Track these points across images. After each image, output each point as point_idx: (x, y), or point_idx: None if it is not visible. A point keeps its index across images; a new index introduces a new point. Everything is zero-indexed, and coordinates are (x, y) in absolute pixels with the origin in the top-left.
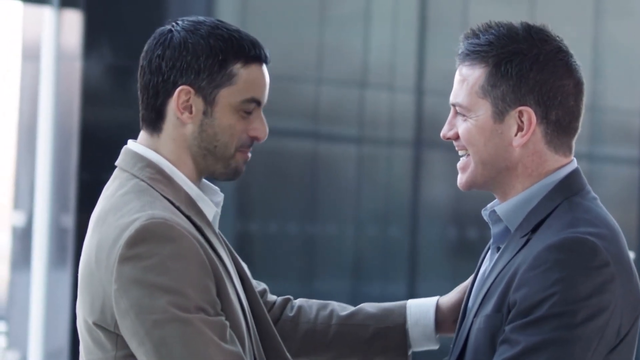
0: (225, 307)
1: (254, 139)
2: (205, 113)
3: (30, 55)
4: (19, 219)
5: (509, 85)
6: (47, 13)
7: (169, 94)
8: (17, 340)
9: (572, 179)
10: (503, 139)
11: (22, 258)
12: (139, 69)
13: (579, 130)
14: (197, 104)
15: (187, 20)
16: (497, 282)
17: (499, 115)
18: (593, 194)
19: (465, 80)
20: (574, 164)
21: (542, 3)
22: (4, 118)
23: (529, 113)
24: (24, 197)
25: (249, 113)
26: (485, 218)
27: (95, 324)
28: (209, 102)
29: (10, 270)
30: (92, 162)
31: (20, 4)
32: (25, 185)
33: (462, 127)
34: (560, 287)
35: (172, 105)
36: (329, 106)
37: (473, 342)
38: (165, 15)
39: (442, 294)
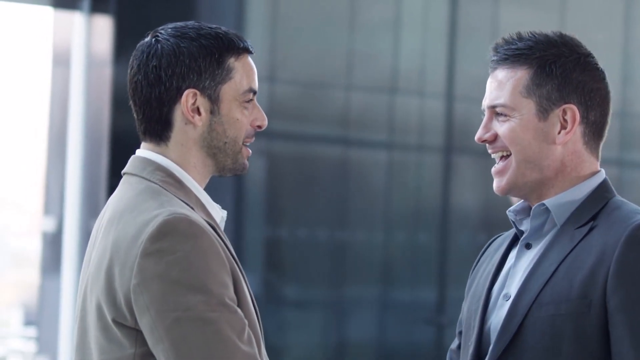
0: (243, 306)
1: (257, 128)
2: (212, 112)
3: (61, 61)
4: (49, 224)
5: (554, 84)
6: (77, 19)
7: (175, 101)
8: (47, 346)
9: (607, 184)
10: (546, 137)
11: (52, 263)
12: (132, 85)
13: (605, 137)
14: (204, 104)
15: (169, 28)
16: (566, 271)
17: (543, 113)
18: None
19: (507, 81)
20: (604, 173)
21: (573, 9)
22: (34, 124)
23: (572, 110)
24: (54, 202)
25: (248, 104)
26: (511, 217)
27: (114, 320)
28: (214, 100)
29: (41, 276)
30: (122, 167)
31: (51, 9)
32: (55, 191)
33: (503, 127)
34: None
35: (181, 111)
36: (358, 112)
37: (548, 328)
38: (195, 21)
39: None
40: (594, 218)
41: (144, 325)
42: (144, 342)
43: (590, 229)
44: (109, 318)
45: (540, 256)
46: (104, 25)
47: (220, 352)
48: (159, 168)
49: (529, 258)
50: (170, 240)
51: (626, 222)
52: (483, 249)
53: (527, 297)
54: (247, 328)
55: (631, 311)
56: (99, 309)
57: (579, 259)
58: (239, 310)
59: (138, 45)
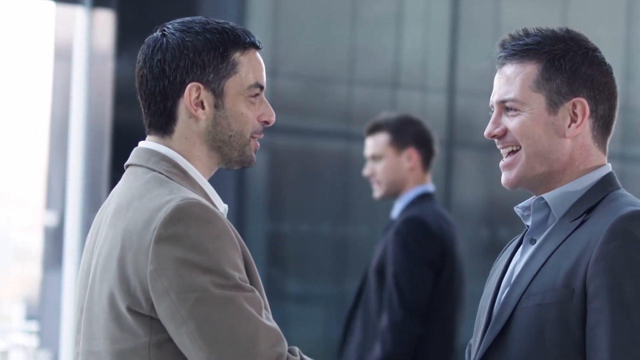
0: (256, 289)
1: (264, 124)
2: (216, 106)
3: (63, 56)
4: (51, 218)
5: (564, 78)
6: (79, 13)
7: (179, 95)
8: (49, 340)
9: (611, 178)
10: (557, 130)
11: (54, 258)
12: (139, 79)
13: (612, 133)
14: (208, 98)
15: (176, 23)
16: (554, 262)
17: (553, 107)
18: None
19: (516, 76)
20: (609, 167)
21: (575, 5)
22: (36, 119)
23: (582, 104)
24: (56, 197)
25: (255, 98)
26: (519, 213)
27: (129, 309)
28: (218, 94)
29: (42, 270)
30: (124, 162)
31: (53, 4)
32: (57, 185)
33: (514, 121)
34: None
35: (184, 105)
36: (360, 107)
37: (534, 318)
38: (197, 16)
39: (473, 294)
40: (590, 210)
41: (164, 310)
42: (159, 330)
43: (583, 221)
44: (122, 307)
45: (536, 249)
46: (105, 20)
47: (244, 327)
48: (164, 158)
49: (530, 252)
50: (184, 225)
51: (616, 212)
52: (502, 251)
53: (518, 289)
54: (263, 307)
55: (607, 298)
56: (111, 298)
57: (568, 250)
58: (254, 289)
59: (146, 39)
